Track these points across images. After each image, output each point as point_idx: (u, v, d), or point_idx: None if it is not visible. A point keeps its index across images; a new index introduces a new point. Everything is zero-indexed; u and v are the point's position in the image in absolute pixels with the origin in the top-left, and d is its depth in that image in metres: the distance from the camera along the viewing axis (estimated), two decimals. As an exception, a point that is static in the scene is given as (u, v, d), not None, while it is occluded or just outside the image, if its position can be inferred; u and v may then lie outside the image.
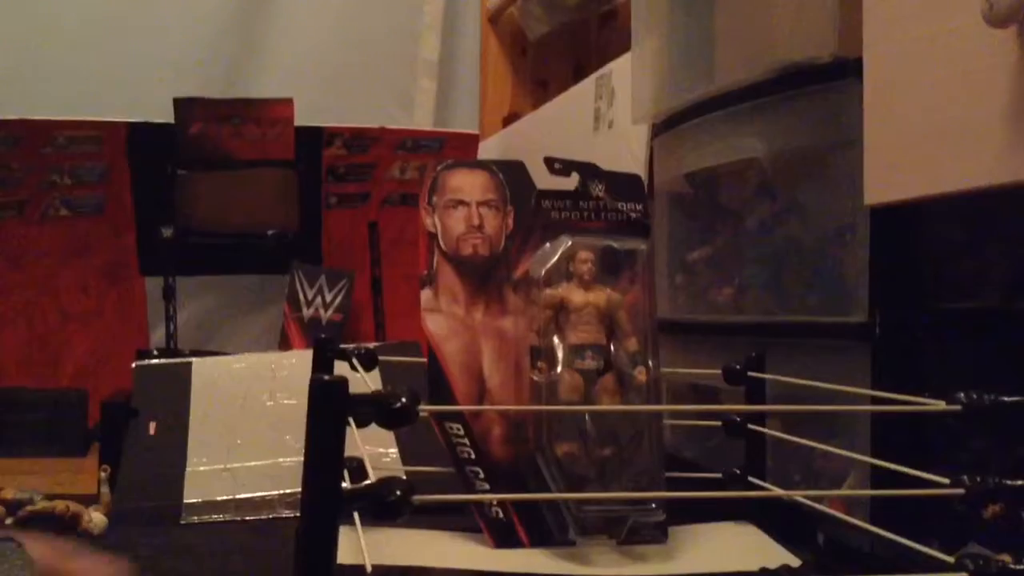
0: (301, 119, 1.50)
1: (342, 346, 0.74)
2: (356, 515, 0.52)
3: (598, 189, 0.70)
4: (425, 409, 0.40)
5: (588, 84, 1.28)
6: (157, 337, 1.57)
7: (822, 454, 0.77)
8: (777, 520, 0.66)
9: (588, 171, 0.70)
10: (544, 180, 0.70)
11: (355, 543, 0.44)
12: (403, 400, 0.39)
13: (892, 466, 0.49)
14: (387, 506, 0.38)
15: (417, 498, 0.39)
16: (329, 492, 0.37)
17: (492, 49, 1.93)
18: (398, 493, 0.38)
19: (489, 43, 1.94)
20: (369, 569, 0.39)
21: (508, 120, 1.85)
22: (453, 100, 1.96)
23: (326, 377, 0.37)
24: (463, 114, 1.94)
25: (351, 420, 0.60)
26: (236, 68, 1.82)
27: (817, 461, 0.78)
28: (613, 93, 1.20)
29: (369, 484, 0.39)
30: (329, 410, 0.37)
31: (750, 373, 0.69)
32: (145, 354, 1.32)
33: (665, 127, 0.99)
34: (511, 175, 0.69)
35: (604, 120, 1.22)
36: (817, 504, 0.62)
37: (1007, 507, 0.58)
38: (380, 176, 1.59)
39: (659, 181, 1.02)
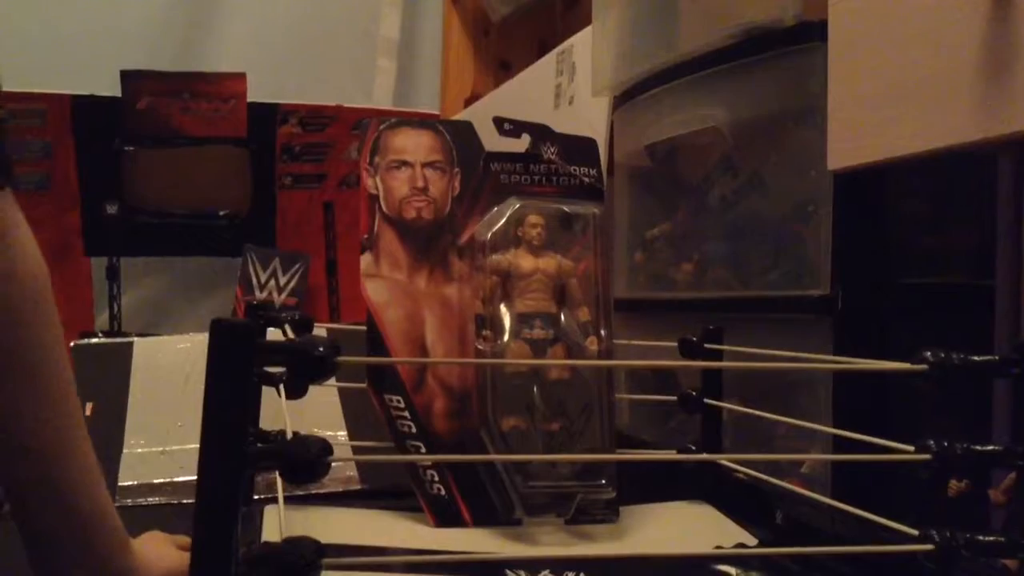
0: (254, 95, 1.46)
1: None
2: (280, 496, 0.48)
3: (550, 152, 0.66)
4: (346, 361, 0.36)
5: (549, 60, 1.25)
6: (103, 319, 1.52)
7: (782, 434, 0.74)
8: (734, 499, 0.63)
9: (540, 133, 0.66)
10: (496, 146, 0.66)
11: (291, 521, 0.41)
12: (320, 349, 0.35)
13: (854, 435, 0.46)
14: (301, 465, 0.34)
15: (334, 458, 0.35)
16: (229, 448, 0.33)
17: (454, 29, 1.88)
18: (312, 452, 0.34)
19: (451, 22, 1.89)
20: (280, 540, 0.35)
21: (470, 102, 1.81)
22: (414, 80, 1.91)
23: (230, 320, 0.33)
24: (424, 95, 1.89)
25: (281, 389, 0.57)
26: (187, 39, 1.75)
27: (778, 441, 0.76)
28: (574, 68, 1.17)
29: (280, 442, 0.35)
30: (232, 357, 0.33)
31: (707, 346, 0.65)
32: (88, 335, 1.27)
33: (625, 99, 0.96)
34: (458, 136, 0.65)
35: (565, 96, 1.18)
36: (776, 481, 0.59)
37: (972, 484, 0.56)
38: (337, 156, 1.54)
39: (619, 155, 0.99)
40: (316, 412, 0.89)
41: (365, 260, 0.62)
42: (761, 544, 0.57)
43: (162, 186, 1.46)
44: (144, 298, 1.62)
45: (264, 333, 0.67)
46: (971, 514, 0.57)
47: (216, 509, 0.33)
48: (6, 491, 0.47)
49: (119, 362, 0.97)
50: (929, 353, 0.40)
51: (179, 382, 0.97)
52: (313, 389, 0.58)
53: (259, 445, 0.35)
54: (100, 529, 0.49)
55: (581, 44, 1.15)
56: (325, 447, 0.35)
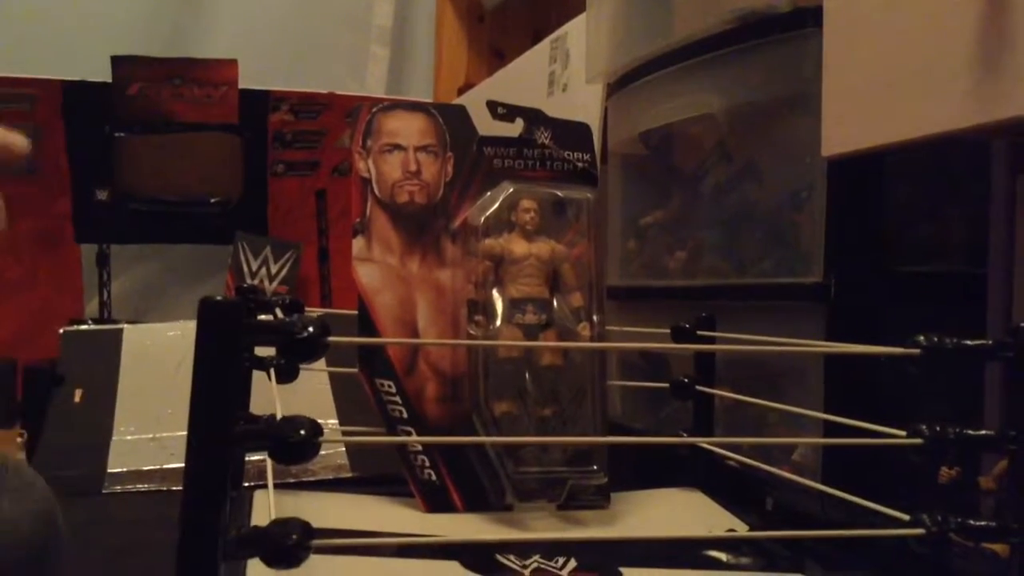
0: (246, 81, 1.44)
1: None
2: (271, 480, 0.48)
3: (544, 136, 0.66)
4: (337, 341, 0.36)
5: (543, 47, 1.24)
6: (93, 307, 1.51)
7: (774, 423, 0.74)
8: (725, 486, 0.63)
9: (533, 117, 0.66)
10: (490, 131, 0.66)
11: (280, 506, 0.40)
12: (310, 329, 0.34)
13: (844, 420, 0.46)
14: (290, 445, 0.34)
15: (324, 439, 0.35)
16: (217, 426, 0.32)
17: (448, 16, 1.87)
18: (302, 432, 0.34)
19: (444, 10, 1.88)
20: (266, 522, 0.35)
21: (463, 91, 1.80)
22: (407, 68, 1.90)
23: (217, 298, 0.33)
24: (417, 83, 1.88)
25: (271, 374, 0.56)
26: (178, 25, 1.74)
27: (769, 430, 0.75)
28: (568, 56, 1.16)
29: (268, 423, 0.34)
30: (220, 334, 0.32)
31: (699, 333, 0.65)
32: (77, 322, 1.27)
33: (619, 85, 0.95)
34: (451, 119, 0.65)
35: (558, 84, 1.18)
36: (766, 467, 0.58)
37: (963, 472, 0.56)
38: (329, 144, 1.53)
39: (613, 143, 0.98)
40: (307, 400, 0.88)
41: (357, 244, 0.62)
42: (751, 530, 0.57)
43: (153, 172, 1.44)
44: (134, 285, 1.61)
45: (253, 314, 0.67)
46: (962, 502, 0.57)
47: (204, 488, 0.33)
48: None
49: (109, 349, 0.96)
50: (922, 337, 0.40)
51: (169, 369, 0.97)
52: (304, 378, 0.58)
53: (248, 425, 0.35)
54: None
55: (575, 31, 1.15)
56: (315, 427, 0.34)
